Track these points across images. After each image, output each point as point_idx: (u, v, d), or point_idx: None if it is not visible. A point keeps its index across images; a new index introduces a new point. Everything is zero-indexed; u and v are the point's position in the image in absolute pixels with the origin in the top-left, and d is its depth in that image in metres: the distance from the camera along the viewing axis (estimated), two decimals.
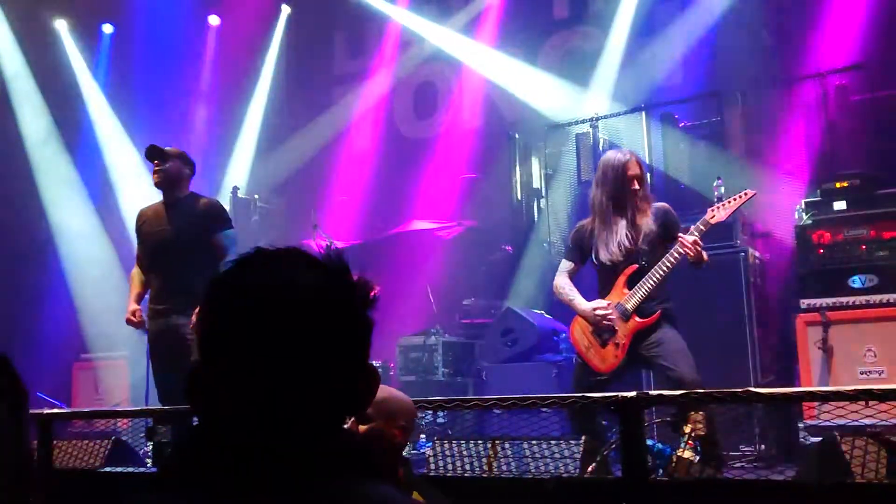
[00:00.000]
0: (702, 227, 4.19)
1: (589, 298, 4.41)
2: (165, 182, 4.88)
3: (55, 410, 5.00)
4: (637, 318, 4.21)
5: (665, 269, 4.18)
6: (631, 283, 4.26)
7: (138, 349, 7.92)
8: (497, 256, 7.86)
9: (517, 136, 8.02)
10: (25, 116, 9.33)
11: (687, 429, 3.70)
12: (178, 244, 4.80)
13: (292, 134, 9.81)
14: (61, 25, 9.65)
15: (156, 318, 4.87)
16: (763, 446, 5.13)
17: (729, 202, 4.28)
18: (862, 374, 4.96)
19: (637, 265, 4.25)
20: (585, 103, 8.01)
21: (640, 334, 4.22)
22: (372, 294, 1.12)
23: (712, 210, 4.26)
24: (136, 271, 5.11)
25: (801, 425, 4.80)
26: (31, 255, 9.11)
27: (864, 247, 5.28)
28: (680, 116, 7.05)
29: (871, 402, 2.63)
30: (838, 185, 5.49)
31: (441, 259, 7.99)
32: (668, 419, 3.98)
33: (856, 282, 5.22)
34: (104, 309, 9.00)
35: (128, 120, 9.63)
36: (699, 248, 4.12)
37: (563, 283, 4.48)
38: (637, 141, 6.93)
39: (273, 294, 1.04)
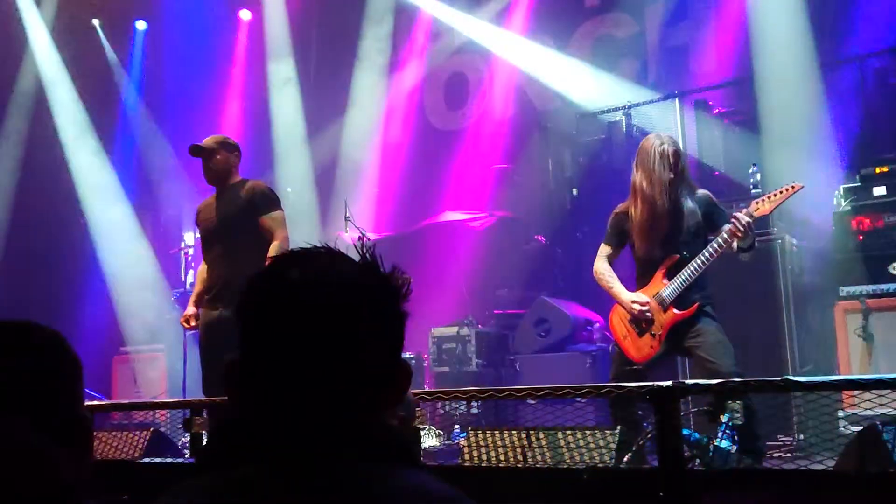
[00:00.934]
0: (745, 219, 4.07)
1: (626, 286, 4.38)
2: (215, 177, 4.86)
3: (95, 402, 5.07)
4: (675, 310, 4.16)
5: (705, 259, 4.10)
6: (670, 273, 4.20)
7: (176, 342, 8.06)
8: (530, 247, 7.83)
9: (549, 125, 7.97)
10: (63, 115, 9.48)
11: (724, 418, 3.66)
12: (225, 232, 4.77)
13: (324, 126, 9.85)
14: (96, 24, 9.77)
15: (207, 309, 4.83)
16: (802, 436, 5.06)
17: (774, 195, 4.14)
18: None
19: (678, 255, 4.20)
20: (618, 91, 7.94)
21: (679, 325, 4.17)
22: (405, 288, 1.13)
23: (756, 203, 4.15)
24: (201, 268, 5.03)
25: (840, 414, 4.72)
26: (69, 252, 9.27)
27: None
28: (714, 103, 6.96)
29: None
30: (878, 170, 5.39)
31: (474, 250, 7.97)
32: (706, 409, 3.94)
33: None
34: (142, 303, 9.14)
35: (162, 116, 9.75)
36: (750, 232, 4.04)
37: (602, 269, 4.44)
38: (670, 128, 6.85)
39: (309, 289, 1.07)
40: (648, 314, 4.20)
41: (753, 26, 7.24)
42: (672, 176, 4.19)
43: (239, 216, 4.76)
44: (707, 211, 4.24)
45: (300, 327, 1.05)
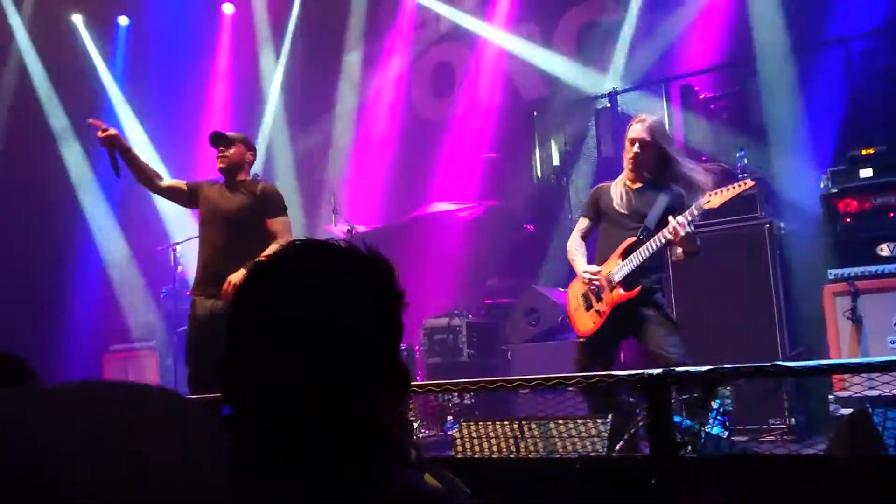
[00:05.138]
0: (694, 212, 4.10)
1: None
2: (228, 168, 4.87)
3: None
4: (620, 290, 4.23)
5: (654, 247, 4.16)
6: (626, 255, 4.28)
7: (167, 338, 8.03)
8: (519, 235, 7.83)
9: (536, 113, 7.95)
10: (50, 112, 9.41)
11: (715, 404, 3.67)
12: (229, 226, 4.76)
13: (309, 119, 9.80)
14: (77, 20, 9.69)
15: (199, 297, 4.79)
16: (793, 420, 5.08)
17: (726, 190, 4.16)
18: (893, 343, 4.88)
19: (635, 238, 4.26)
20: (604, 78, 7.92)
21: (624, 308, 4.23)
22: (402, 290, 1.12)
23: (708, 195, 4.17)
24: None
25: (831, 397, 4.75)
26: (61, 249, 9.20)
27: (892, 214, 5.18)
28: (700, 88, 6.95)
29: None
30: (864, 152, 5.39)
31: (463, 240, 7.96)
32: (696, 396, 3.95)
33: (884, 250, 5.14)
34: (133, 300, 9.10)
35: (145, 111, 9.68)
36: (685, 233, 4.05)
37: (573, 243, 4.55)
38: (657, 115, 6.84)
39: (306, 283, 1.06)
40: (597, 283, 4.26)
41: (738, 10, 7.23)
42: (632, 155, 4.24)
43: (246, 213, 4.78)
44: (671, 206, 4.25)
45: (288, 328, 1.04)
